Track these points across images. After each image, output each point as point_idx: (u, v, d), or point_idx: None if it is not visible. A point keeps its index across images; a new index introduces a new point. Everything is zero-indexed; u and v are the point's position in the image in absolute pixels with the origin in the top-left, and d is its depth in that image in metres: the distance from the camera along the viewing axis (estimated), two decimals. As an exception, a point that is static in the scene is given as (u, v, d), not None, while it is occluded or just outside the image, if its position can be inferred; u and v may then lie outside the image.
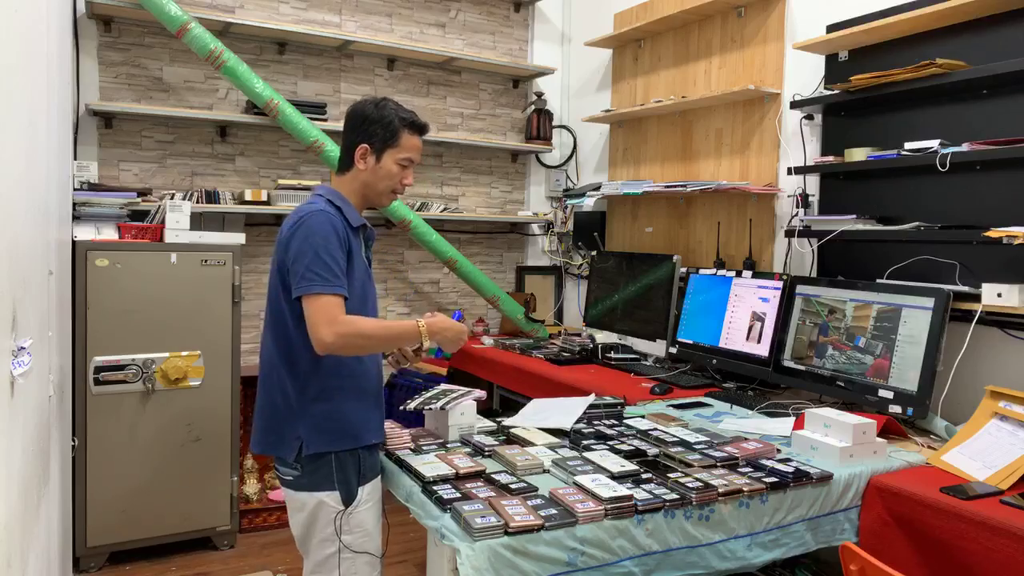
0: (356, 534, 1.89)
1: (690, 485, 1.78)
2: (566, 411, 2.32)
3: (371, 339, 1.83)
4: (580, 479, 1.77)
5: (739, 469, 1.94)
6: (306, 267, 1.79)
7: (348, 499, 1.89)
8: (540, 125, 4.47)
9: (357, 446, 1.91)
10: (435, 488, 1.73)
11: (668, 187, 3.39)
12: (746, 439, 2.15)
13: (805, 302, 2.70)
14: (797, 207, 2.99)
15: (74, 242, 3.03)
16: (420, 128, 1.99)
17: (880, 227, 2.61)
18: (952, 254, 2.46)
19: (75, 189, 3.20)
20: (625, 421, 2.33)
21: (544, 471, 1.90)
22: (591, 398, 2.48)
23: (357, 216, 1.96)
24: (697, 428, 2.28)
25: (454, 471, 1.82)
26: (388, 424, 2.15)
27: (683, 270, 3.30)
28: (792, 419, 2.37)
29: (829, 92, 2.77)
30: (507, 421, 2.29)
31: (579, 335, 3.96)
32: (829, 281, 2.66)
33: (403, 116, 1.95)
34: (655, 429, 2.22)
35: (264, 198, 3.66)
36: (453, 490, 1.72)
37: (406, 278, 4.33)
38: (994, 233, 2.18)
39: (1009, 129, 2.32)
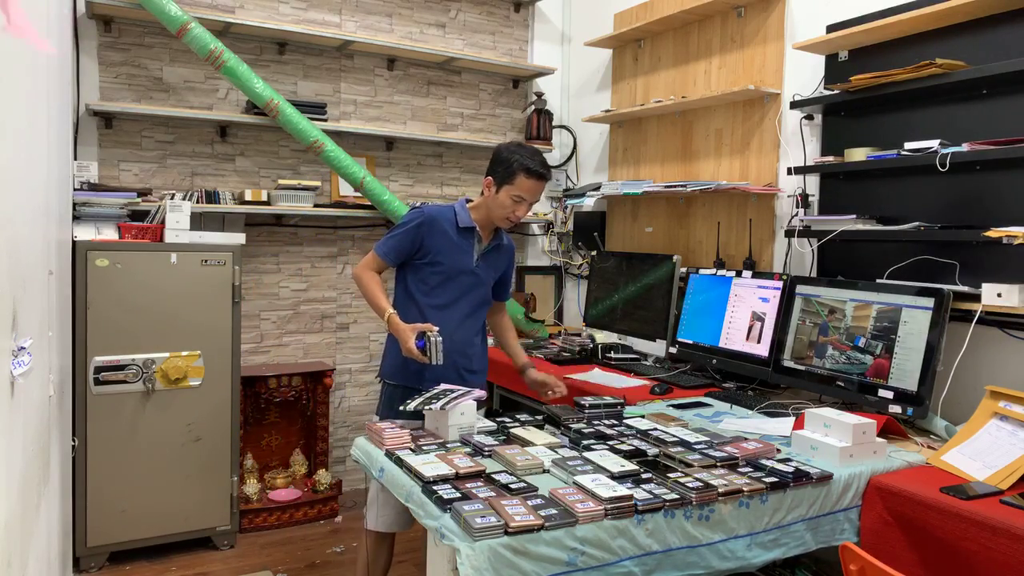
0: None
1: (690, 485, 1.78)
2: None
3: (363, 292, 2.54)
4: (580, 479, 1.77)
5: (739, 469, 1.94)
6: (384, 233, 2.63)
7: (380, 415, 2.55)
8: (540, 125, 4.47)
9: (389, 382, 2.57)
10: (435, 488, 1.73)
11: (668, 187, 3.39)
12: (746, 439, 2.15)
13: (805, 302, 2.70)
14: (797, 207, 2.99)
15: (74, 242, 3.04)
16: (537, 174, 2.41)
17: (880, 227, 2.61)
18: (952, 254, 2.46)
19: (75, 189, 3.20)
20: (625, 421, 2.33)
21: (544, 471, 1.90)
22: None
23: (466, 219, 2.52)
24: (697, 428, 2.28)
25: (454, 471, 1.82)
26: (388, 424, 2.16)
27: (683, 270, 3.30)
28: (792, 419, 2.37)
29: (829, 92, 2.77)
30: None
31: (579, 335, 3.96)
32: (829, 281, 2.66)
33: (523, 163, 2.40)
34: (655, 429, 2.22)
35: (264, 198, 3.66)
36: (453, 490, 1.72)
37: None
38: (994, 233, 2.18)
39: (1009, 129, 2.32)
